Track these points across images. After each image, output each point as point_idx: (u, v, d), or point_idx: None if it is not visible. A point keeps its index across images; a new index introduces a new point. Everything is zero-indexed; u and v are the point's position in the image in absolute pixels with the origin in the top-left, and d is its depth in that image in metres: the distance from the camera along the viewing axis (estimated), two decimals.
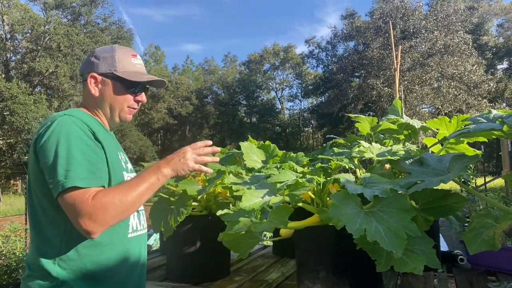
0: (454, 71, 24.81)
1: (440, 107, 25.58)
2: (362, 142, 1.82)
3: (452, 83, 25.08)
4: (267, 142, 2.12)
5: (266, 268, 2.20)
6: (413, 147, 1.79)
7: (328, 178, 1.41)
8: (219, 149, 1.31)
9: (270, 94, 43.26)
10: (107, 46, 1.33)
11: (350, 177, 1.42)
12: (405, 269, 1.18)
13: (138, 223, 1.30)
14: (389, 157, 1.61)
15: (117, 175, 1.20)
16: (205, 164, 1.26)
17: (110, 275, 1.15)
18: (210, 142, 1.28)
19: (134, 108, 1.32)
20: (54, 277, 1.08)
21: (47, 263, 1.09)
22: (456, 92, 24.92)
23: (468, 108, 24.54)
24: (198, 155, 1.23)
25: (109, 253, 1.15)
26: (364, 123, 2.16)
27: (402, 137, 2.10)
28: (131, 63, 1.29)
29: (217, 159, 1.30)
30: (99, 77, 1.25)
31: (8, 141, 22.10)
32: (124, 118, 1.31)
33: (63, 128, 1.08)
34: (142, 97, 1.33)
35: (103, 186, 1.08)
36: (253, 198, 1.32)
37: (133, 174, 1.35)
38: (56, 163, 1.04)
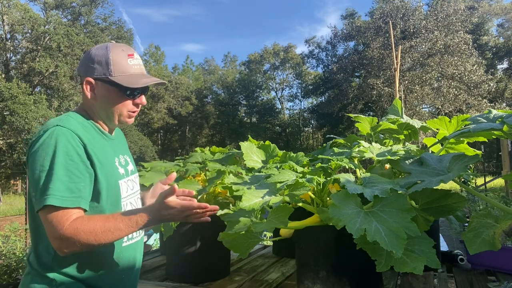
0: (454, 71, 24.82)
1: (440, 107, 25.58)
2: (362, 142, 1.82)
3: (452, 83, 25.09)
4: (267, 142, 2.12)
5: (266, 268, 2.20)
6: (413, 147, 1.78)
7: (328, 178, 1.41)
8: (217, 207, 1.20)
9: (270, 94, 43.31)
10: (102, 45, 1.24)
11: (350, 177, 1.42)
12: (405, 269, 1.18)
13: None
14: (389, 157, 1.61)
15: (112, 185, 1.19)
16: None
17: (104, 281, 1.17)
18: (206, 205, 1.15)
19: (134, 112, 1.27)
20: (51, 279, 1.09)
21: (43, 266, 1.11)
22: (456, 92, 24.92)
23: (468, 108, 24.55)
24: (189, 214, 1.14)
25: (103, 261, 1.16)
26: (364, 123, 2.16)
27: (402, 137, 2.10)
28: (127, 65, 1.22)
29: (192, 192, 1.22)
30: (94, 82, 1.20)
31: (8, 141, 22.10)
32: (124, 122, 1.26)
33: (52, 141, 1.07)
34: (142, 99, 1.26)
35: (80, 207, 1.07)
36: (253, 198, 1.32)
37: (133, 176, 1.34)
38: (39, 178, 1.05)
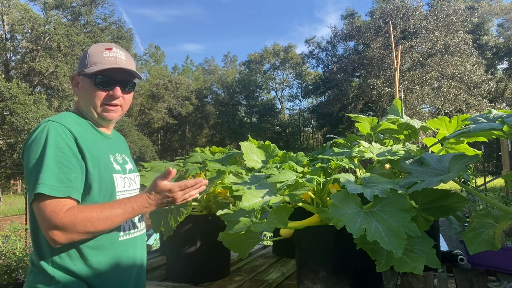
0: (454, 71, 24.81)
1: (440, 107, 25.57)
2: (362, 142, 1.82)
3: (452, 83, 25.08)
4: (267, 142, 2.12)
5: (266, 268, 2.20)
6: (413, 147, 1.78)
7: (328, 178, 1.41)
8: (207, 181, 1.26)
9: (270, 94, 43.28)
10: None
11: (350, 177, 1.42)
12: (405, 269, 1.18)
13: (131, 226, 1.28)
14: (389, 157, 1.61)
15: (105, 178, 1.19)
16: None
17: (102, 277, 1.16)
18: (201, 180, 1.23)
19: (110, 105, 1.24)
20: (51, 276, 1.10)
21: (43, 262, 1.12)
22: (456, 92, 24.91)
23: (468, 108, 24.54)
24: (186, 193, 1.20)
25: (99, 257, 1.16)
26: (364, 123, 2.16)
27: (402, 137, 2.10)
28: (101, 57, 1.22)
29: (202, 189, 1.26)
30: (76, 77, 1.27)
31: (8, 141, 22.10)
32: (104, 116, 1.25)
33: (43, 135, 1.11)
34: (116, 92, 1.23)
35: (70, 197, 1.08)
36: (253, 198, 1.32)
37: (133, 175, 1.34)
38: (30, 170, 1.08)
